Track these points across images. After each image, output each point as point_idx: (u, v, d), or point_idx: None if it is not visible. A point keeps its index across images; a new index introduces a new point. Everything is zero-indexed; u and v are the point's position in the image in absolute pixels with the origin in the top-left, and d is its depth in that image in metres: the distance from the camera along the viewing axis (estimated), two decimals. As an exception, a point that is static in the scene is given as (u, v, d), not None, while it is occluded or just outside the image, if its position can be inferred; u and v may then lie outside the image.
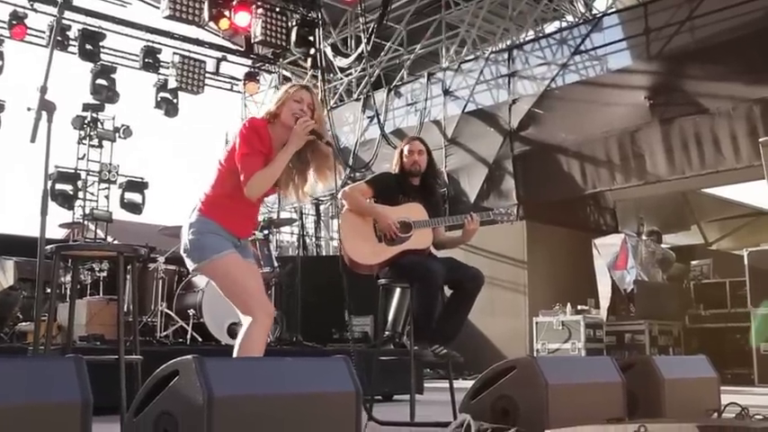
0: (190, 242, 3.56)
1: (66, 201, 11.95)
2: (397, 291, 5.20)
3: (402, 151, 5.09)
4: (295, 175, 3.75)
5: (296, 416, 2.63)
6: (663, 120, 10.84)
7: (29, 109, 10.69)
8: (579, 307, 10.23)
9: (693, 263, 11.59)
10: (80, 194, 12.12)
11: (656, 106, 10.90)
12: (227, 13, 11.64)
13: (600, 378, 3.85)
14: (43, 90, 3.35)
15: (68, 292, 7.98)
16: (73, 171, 12.11)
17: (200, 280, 6.75)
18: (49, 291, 7.54)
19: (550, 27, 15.35)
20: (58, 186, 11.95)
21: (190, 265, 3.61)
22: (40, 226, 3.25)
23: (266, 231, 7.68)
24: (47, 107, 3.35)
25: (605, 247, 10.80)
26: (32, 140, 3.31)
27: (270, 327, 3.71)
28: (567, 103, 12.18)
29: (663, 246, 12.05)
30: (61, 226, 10.46)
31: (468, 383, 4.34)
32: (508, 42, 14.70)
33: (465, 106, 13.45)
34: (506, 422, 3.51)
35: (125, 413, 3.44)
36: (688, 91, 10.71)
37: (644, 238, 11.53)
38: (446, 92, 13.77)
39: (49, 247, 3.52)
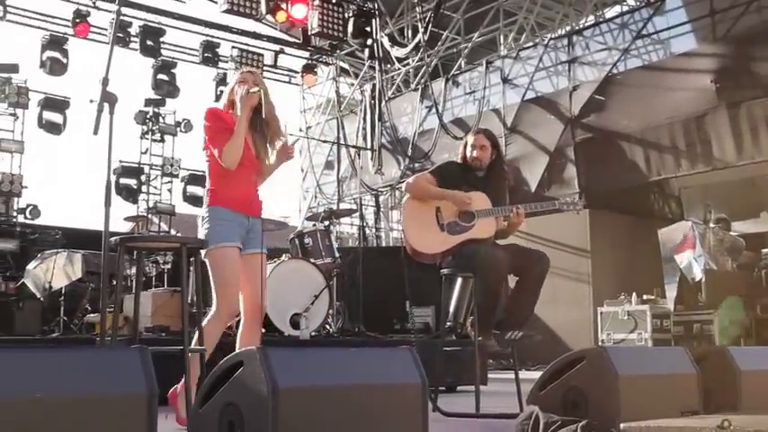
0: (204, 233, 3.93)
1: (131, 195, 12.18)
2: (459, 280, 5.14)
3: (466, 143, 5.03)
4: (265, 141, 4.11)
5: (361, 407, 2.58)
6: (730, 104, 10.52)
7: (91, 101, 10.91)
8: (645, 296, 9.99)
9: (764, 251, 11.21)
10: (144, 188, 12.33)
11: (722, 90, 10.58)
12: (283, 5, 11.67)
13: (673, 369, 3.72)
14: (105, 82, 3.38)
15: (134, 284, 8.14)
16: (136, 165, 12.33)
17: (261, 271, 6.77)
18: (115, 283, 7.72)
19: (611, 11, 15.02)
20: (123, 181, 12.17)
21: (203, 252, 3.94)
22: (105, 217, 3.28)
23: (327, 222, 7.67)
24: (109, 99, 3.38)
25: (671, 236, 10.54)
26: (95, 132, 3.35)
27: (224, 326, 4.02)
28: (630, 89, 11.91)
29: (732, 233, 11.69)
30: (126, 219, 10.64)
31: (532, 374, 4.26)
32: (567, 28, 14.46)
33: (524, 94, 13.26)
34: (576, 414, 3.40)
35: (190, 404, 3.45)
36: (757, 73, 10.37)
37: (711, 225, 11.20)
38: (505, 80, 13.60)
39: (113, 239, 3.54)
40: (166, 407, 3.84)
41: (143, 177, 12.38)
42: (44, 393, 2.01)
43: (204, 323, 3.82)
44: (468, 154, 4.98)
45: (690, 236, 10.12)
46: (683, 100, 11.11)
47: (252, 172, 4.08)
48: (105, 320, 3.87)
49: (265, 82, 4.23)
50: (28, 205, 10.69)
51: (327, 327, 7.07)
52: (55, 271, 7.99)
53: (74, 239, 8.93)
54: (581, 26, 14.12)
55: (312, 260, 7.00)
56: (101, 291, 5.22)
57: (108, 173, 3.37)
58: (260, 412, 2.36)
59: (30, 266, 8.31)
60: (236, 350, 3.73)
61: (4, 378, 1.99)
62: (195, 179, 12.37)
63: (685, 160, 11.12)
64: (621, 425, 2.87)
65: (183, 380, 3.84)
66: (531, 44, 14.16)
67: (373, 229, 16.39)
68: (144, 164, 12.43)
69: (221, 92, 13.20)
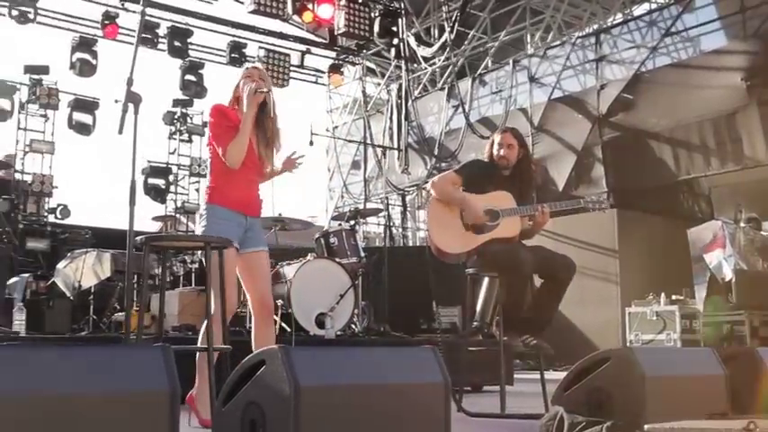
0: (201, 230, 3.99)
1: (159, 194, 12.29)
2: (486, 280, 5.13)
3: (493, 142, 5.00)
4: (268, 142, 4.13)
5: (383, 406, 2.57)
6: (761, 101, 10.38)
7: (116, 101, 10.99)
8: (674, 297, 9.88)
9: (796, 251, 11.05)
10: (172, 188, 12.43)
11: (753, 88, 10.44)
12: (310, 5, 11.67)
13: (700, 370, 3.67)
14: (129, 82, 3.41)
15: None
16: (164, 165, 12.44)
17: (288, 271, 6.79)
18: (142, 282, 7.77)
19: (639, 9, 14.89)
20: (151, 180, 12.30)
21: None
22: (129, 216, 3.31)
23: (352, 222, 7.67)
24: (133, 99, 3.42)
25: (701, 235, 10.41)
26: (120, 132, 3.39)
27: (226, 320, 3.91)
28: (659, 87, 11.79)
29: (763, 233, 11.53)
30: (154, 219, 10.73)
31: (559, 375, 4.22)
32: (595, 26, 14.35)
33: (551, 93, 13.17)
34: (601, 415, 3.37)
35: (214, 402, 3.47)
36: (788, 71, 10.23)
37: (742, 225, 11.05)
38: (532, 79, 13.52)
39: (138, 238, 3.58)
40: (186, 410, 3.87)
41: (171, 177, 12.48)
42: (67, 390, 2.03)
43: (204, 324, 3.82)
44: (495, 152, 4.96)
45: (720, 235, 9.98)
46: (712, 98, 10.98)
47: (253, 172, 4.10)
48: (129, 319, 3.90)
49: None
50: (58, 205, 10.82)
51: (353, 326, 7.07)
52: (84, 270, 8.08)
53: (103, 239, 9.03)
54: (609, 24, 14.01)
55: (337, 260, 7.02)
56: (124, 290, 5.26)
57: (132, 172, 3.40)
58: (282, 411, 2.37)
59: (60, 266, 8.41)
60: (253, 350, 3.76)
61: (29, 374, 2.02)
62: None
63: (715, 159, 10.99)
64: (645, 426, 2.84)
65: (196, 383, 3.85)
66: (558, 43, 14.07)
67: (400, 229, 16.38)
68: (172, 164, 12.54)
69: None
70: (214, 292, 3.73)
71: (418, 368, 2.76)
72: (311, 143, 8.48)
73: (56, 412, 2.00)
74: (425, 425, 2.68)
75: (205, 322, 3.78)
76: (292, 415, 2.33)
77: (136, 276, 7.80)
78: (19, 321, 5.20)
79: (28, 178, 10.68)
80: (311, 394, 2.38)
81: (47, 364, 2.06)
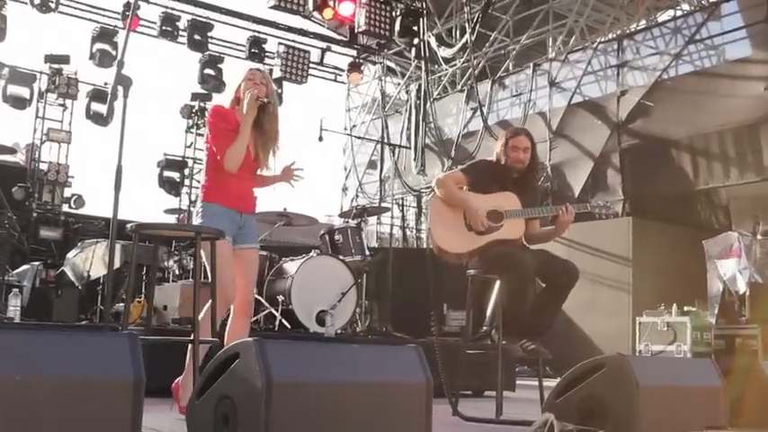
0: None
1: (174, 188, 12.28)
2: (497, 284, 5.05)
3: (507, 144, 4.89)
4: (266, 143, 4.14)
5: (360, 404, 2.51)
6: (785, 112, 10.21)
7: (105, 84, 10.88)
8: (686, 308, 9.73)
9: (814, 265, 10.85)
10: (186, 182, 12.43)
11: (777, 98, 10.26)
12: (331, 2, 11.62)
13: (698, 381, 3.58)
14: (120, 65, 3.37)
15: (169, 275, 8.20)
16: (180, 159, 12.43)
17: (290, 267, 6.73)
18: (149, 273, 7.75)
19: (663, 16, 14.71)
20: (166, 173, 12.28)
21: None
22: (114, 201, 3.26)
23: (358, 219, 7.60)
24: (123, 82, 3.37)
25: (716, 246, 10.25)
26: (107, 116, 3.35)
27: (221, 314, 3.98)
28: (680, 95, 11.63)
29: (780, 246, 11.34)
30: (167, 212, 10.71)
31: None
32: (618, 32, 14.18)
33: (571, 98, 13.05)
34: (593, 424, 3.30)
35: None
36: (813, 81, 10.05)
37: (759, 237, 10.87)
38: (552, 83, 13.40)
39: (128, 225, 3.55)
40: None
41: (186, 171, 12.48)
42: (29, 375, 1.99)
43: (202, 314, 3.84)
44: (510, 156, 4.85)
45: (735, 246, 9.83)
46: (735, 107, 10.82)
47: (247, 170, 4.11)
48: (110, 308, 3.87)
49: (272, 81, 4.33)
50: (73, 195, 10.84)
51: (355, 325, 7.00)
52: (94, 260, 8.10)
53: (116, 229, 9.01)
54: (632, 30, 13.84)
55: (341, 257, 6.94)
56: (107, 278, 5.25)
57: (119, 158, 3.37)
58: (253, 406, 2.31)
59: (69, 255, 8.44)
60: (225, 343, 3.75)
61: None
62: (237, 174, 12.40)
63: (735, 169, 10.82)
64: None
65: (184, 371, 3.84)
66: (580, 47, 13.92)
67: (414, 231, 16.29)
68: (188, 157, 12.53)
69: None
70: (198, 282, 3.72)
71: (399, 367, 2.70)
72: (320, 139, 8.39)
73: (16, 396, 1.96)
74: (403, 424, 2.62)
75: (202, 312, 3.80)
76: (263, 410, 2.28)
77: (145, 267, 7.81)
78: (14, 307, 5.19)
79: (44, 167, 10.71)
80: (284, 389, 2.32)
81: (9, 349, 2.02)
